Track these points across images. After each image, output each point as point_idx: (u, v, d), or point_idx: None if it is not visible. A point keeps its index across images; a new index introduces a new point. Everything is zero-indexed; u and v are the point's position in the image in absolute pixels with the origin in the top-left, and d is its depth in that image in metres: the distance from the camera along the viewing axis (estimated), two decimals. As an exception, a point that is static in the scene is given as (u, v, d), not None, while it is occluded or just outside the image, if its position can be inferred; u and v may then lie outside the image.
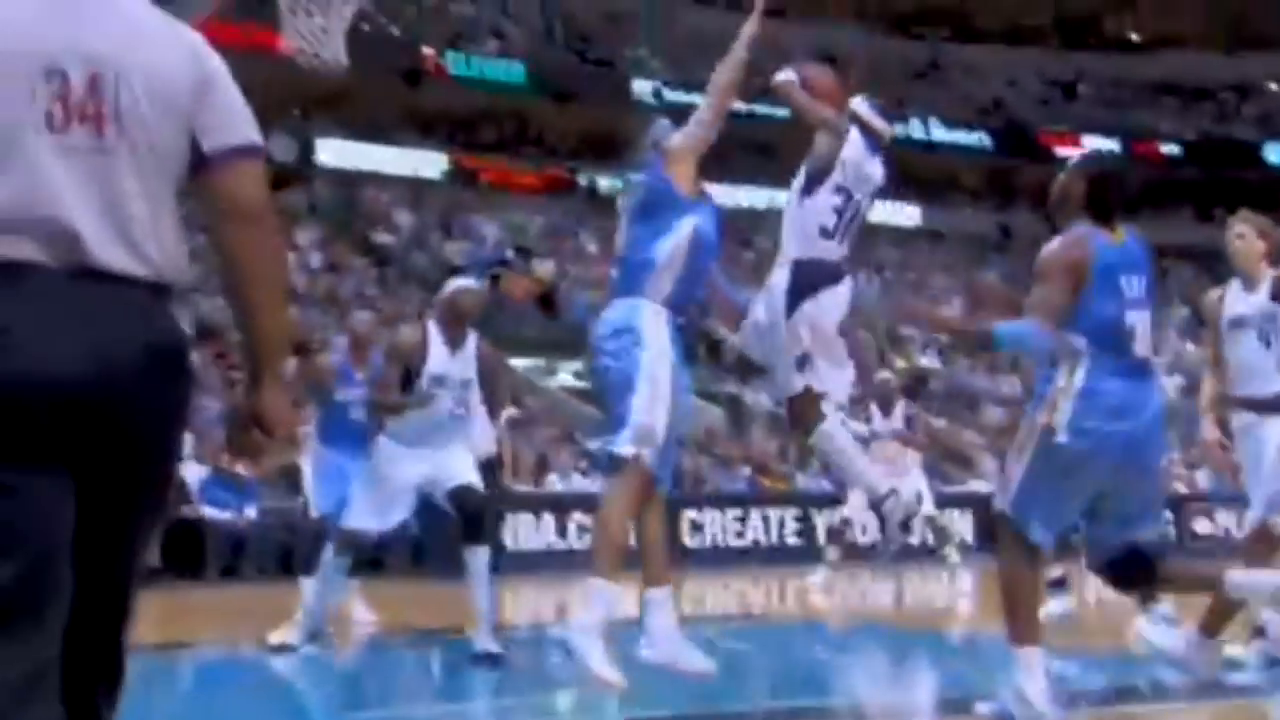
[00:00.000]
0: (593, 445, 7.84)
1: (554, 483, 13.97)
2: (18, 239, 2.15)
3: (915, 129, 30.43)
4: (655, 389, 4.34)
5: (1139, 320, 4.30)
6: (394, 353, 6.53)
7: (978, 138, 31.37)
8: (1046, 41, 34.29)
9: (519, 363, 16.70)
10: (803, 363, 4.86)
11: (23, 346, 2.10)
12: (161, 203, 2.26)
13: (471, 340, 6.49)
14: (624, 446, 4.30)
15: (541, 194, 25.95)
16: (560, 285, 21.47)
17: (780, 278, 4.92)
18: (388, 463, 6.38)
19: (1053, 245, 4.34)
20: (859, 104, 5.16)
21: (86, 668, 2.25)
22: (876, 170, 5.06)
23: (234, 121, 2.33)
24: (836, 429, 4.93)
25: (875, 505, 5.20)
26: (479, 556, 6.23)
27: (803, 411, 4.91)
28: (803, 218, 4.96)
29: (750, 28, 4.65)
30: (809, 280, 4.88)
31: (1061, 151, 31.72)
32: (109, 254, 2.19)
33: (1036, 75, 33.50)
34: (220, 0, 4.77)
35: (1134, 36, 35.22)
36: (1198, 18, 34.18)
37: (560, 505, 13.08)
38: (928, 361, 14.05)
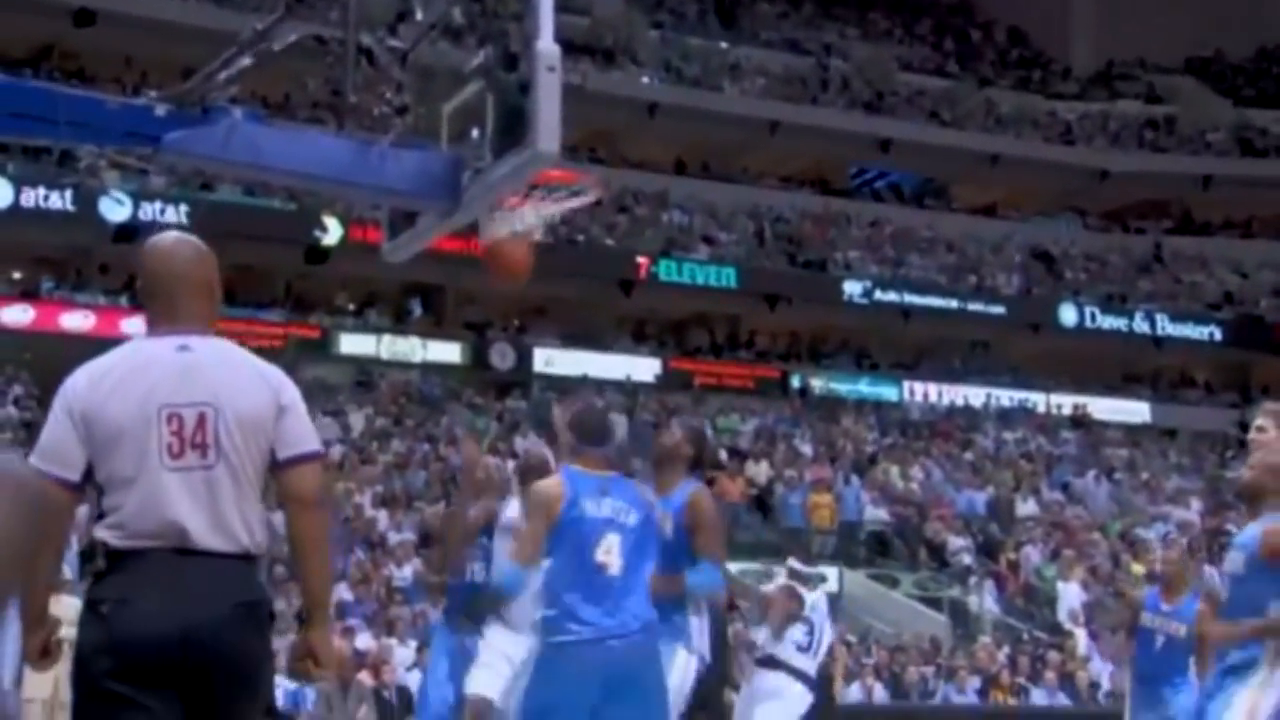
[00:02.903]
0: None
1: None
2: (140, 538, 3.10)
3: (1140, 322, 29.47)
4: None
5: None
6: (454, 531, 6.48)
7: (1209, 331, 30.08)
8: (1276, 233, 33.08)
9: (735, 567, 16.38)
10: None
11: (138, 611, 3.04)
12: (249, 498, 3.19)
13: None
14: None
15: (754, 395, 25.94)
16: (774, 487, 21.17)
17: None
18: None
19: (708, 499, 5.46)
20: None
21: None
22: None
23: (301, 436, 3.25)
24: None
25: None
26: None
27: None
28: None
29: None
30: None
31: (1302, 344, 30.17)
32: (207, 540, 3.11)
33: (1269, 266, 32.20)
34: (456, 222, 5.36)
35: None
36: None
37: None
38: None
